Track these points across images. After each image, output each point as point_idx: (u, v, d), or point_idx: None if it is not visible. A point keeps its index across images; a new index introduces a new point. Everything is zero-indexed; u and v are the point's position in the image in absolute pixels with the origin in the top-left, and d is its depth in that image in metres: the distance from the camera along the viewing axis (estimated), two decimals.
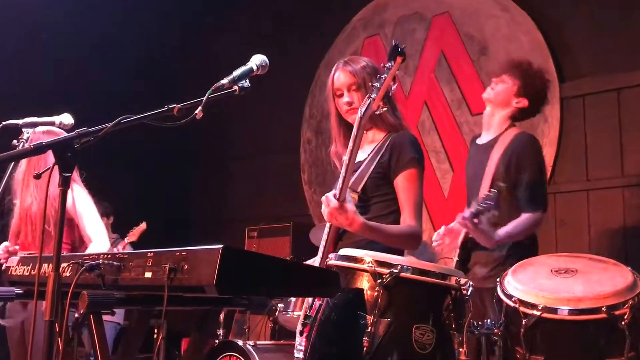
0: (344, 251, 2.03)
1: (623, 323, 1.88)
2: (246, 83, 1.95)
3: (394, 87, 2.18)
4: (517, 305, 2.05)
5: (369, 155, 2.43)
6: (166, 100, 1.86)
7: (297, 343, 2.12)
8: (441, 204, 4.85)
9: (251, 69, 1.99)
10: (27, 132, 2.55)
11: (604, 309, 1.91)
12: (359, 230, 2.18)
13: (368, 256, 1.96)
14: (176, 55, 6.32)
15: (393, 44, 2.15)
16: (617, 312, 1.91)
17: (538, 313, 1.99)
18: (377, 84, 2.16)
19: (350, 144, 2.18)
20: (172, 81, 6.07)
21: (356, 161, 2.30)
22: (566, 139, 4.30)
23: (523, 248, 2.86)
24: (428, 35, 5.09)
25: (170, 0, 5.87)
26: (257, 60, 2.02)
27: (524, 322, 2.01)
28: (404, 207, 2.33)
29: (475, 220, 2.69)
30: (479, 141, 3.27)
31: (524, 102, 3.11)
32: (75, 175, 3.26)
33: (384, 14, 5.35)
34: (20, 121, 2.57)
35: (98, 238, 3.24)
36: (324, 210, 2.17)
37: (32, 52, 5.05)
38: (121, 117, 1.80)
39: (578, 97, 4.29)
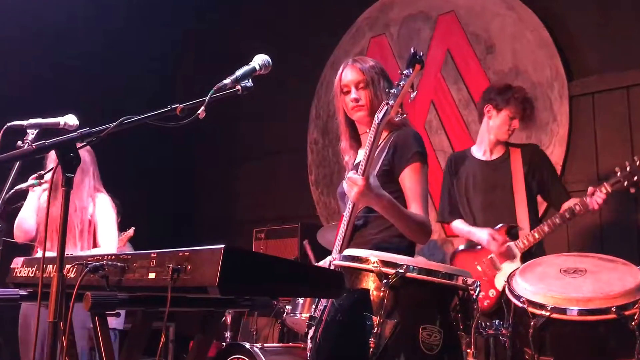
0: (349, 251, 2.02)
1: (633, 323, 1.87)
2: (249, 82, 1.94)
3: (413, 95, 2.21)
4: (525, 306, 2.04)
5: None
6: (170, 100, 1.86)
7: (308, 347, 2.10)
8: None
9: (254, 69, 1.99)
10: (31, 133, 2.56)
11: (613, 309, 1.89)
12: (387, 205, 2.18)
13: (373, 256, 1.95)
14: (180, 55, 6.34)
15: (412, 51, 2.18)
16: (627, 313, 1.89)
17: (547, 313, 1.97)
18: (394, 91, 2.19)
19: (368, 149, 2.18)
20: (176, 81, 6.07)
21: (360, 160, 2.32)
22: (575, 138, 4.28)
23: None
24: (434, 34, 5.08)
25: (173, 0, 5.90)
26: (259, 59, 2.01)
27: (532, 323, 2.00)
28: (412, 201, 2.32)
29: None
30: (482, 157, 3.48)
31: (515, 125, 3.52)
32: (99, 185, 3.57)
33: (390, 13, 5.35)
34: (24, 122, 2.57)
35: (105, 247, 3.45)
36: (350, 190, 2.16)
37: (35, 52, 5.06)
38: (124, 118, 1.80)
39: (587, 95, 4.26)
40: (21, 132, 2.56)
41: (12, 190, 2.81)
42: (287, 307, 3.28)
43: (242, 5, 6.31)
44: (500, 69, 4.66)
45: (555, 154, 4.25)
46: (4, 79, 4.74)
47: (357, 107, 2.45)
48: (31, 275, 1.96)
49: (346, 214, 2.29)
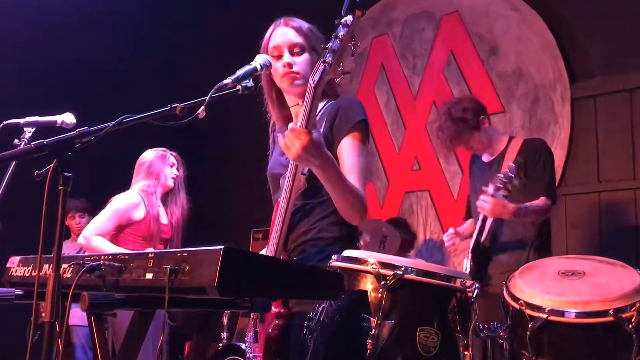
0: (347, 252, 2.03)
1: (630, 326, 1.88)
2: (249, 82, 1.94)
3: (354, 50, 1.81)
4: (523, 308, 2.05)
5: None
6: (169, 99, 1.87)
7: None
8: (450, 206, 4.84)
9: (255, 69, 1.98)
10: (28, 132, 2.56)
11: (611, 311, 1.90)
12: (331, 168, 1.86)
13: (372, 257, 1.96)
14: (178, 53, 6.35)
15: None
16: (624, 315, 1.90)
17: (544, 316, 1.99)
18: (331, 45, 1.79)
19: (304, 119, 1.81)
20: (175, 80, 6.08)
21: None
22: (577, 140, 4.29)
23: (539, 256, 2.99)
24: (437, 34, 5.09)
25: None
26: (260, 59, 2.01)
27: (530, 325, 2.01)
28: (349, 174, 1.97)
29: (500, 193, 2.98)
30: (484, 159, 3.43)
31: (485, 124, 3.40)
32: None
33: (393, 13, 5.36)
34: (21, 120, 2.58)
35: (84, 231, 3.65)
36: (290, 147, 1.79)
37: (32, 50, 5.07)
38: (122, 117, 1.81)
39: (589, 98, 4.28)
40: (17, 130, 2.57)
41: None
42: None
43: (240, 5, 6.32)
44: (503, 71, 4.68)
45: (557, 156, 4.24)
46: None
47: (291, 74, 2.09)
48: (27, 275, 1.97)
49: (283, 195, 2.00)
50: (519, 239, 3.23)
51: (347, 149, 2.04)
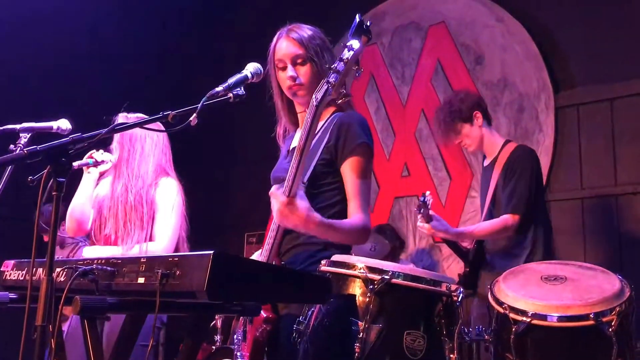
0: (336, 257, 2.04)
1: (610, 330, 1.89)
2: (241, 91, 1.96)
3: (357, 74, 1.82)
4: (507, 312, 2.06)
5: (313, 138, 2.08)
6: (166, 105, 1.87)
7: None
8: (439, 211, 4.83)
9: (246, 77, 2.01)
10: (24, 137, 2.54)
11: (591, 315, 1.91)
12: (315, 230, 1.95)
13: (360, 262, 1.96)
14: (177, 58, 6.33)
15: (357, 20, 1.82)
16: (604, 319, 1.91)
17: (528, 320, 1.99)
18: (336, 66, 1.81)
19: (303, 136, 1.86)
20: (172, 85, 6.07)
21: (295, 146, 2.00)
22: (561, 148, 4.32)
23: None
24: (424, 44, 5.11)
25: (170, 2, 5.91)
26: (251, 68, 2.03)
27: (514, 329, 2.02)
28: (352, 198, 2.06)
29: (420, 220, 3.23)
30: (485, 162, 3.45)
31: (479, 120, 3.41)
32: (170, 168, 3.06)
33: (382, 23, 5.38)
34: (17, 126, 2.56)
35: (160, 240, 2.88)
36: (273, 206, 1.91)
37: (27, 55, 5.04)
38: (115, 124, 1.82)
39: (572, 107, 4.31)
40: (14, 136, 2.56)
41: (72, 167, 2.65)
42: None
43: (235, 15, 6.32)
44: (489, 80, 4.71)
45: (541, 163, 4.29)
46: None
47: (295, 86, 2.14)
48: (21, 279, 1.96)
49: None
50: (511, 248, 3.25)
51: (349, 173, 2.08)
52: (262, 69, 2.04)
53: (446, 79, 4.96)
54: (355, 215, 2.06)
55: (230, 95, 1.92)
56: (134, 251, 2.84)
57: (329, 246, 2.10)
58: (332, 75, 1.81)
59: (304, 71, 2.14)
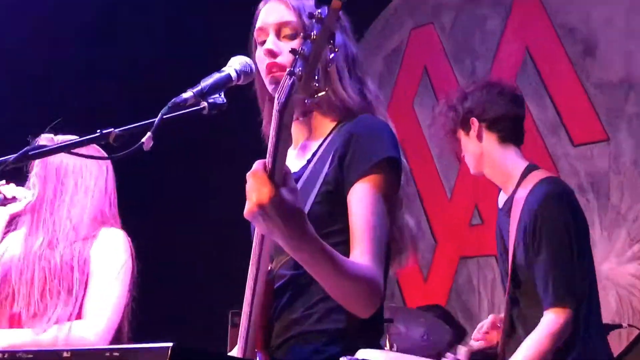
0: (362, 353, 2.00)
1: None
2: (220, 98, 1.93)
3: (331, 56, 1.69)
4: None
5: (309, 163, 2.07)
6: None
7: None
8: (444, 207, 5.09)
9: (228, 77, 1.97)
10: None
11: None
12: (307, 250, 1.77)
13: None
14: (172, 60, 6.61)
15: None
16: None
17: None
18: (303, 48, 1.65)
19: (270, 149, 1.69)
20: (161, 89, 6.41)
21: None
22: None
23: None
24: (506, 25, 5.14)
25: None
26: (236, 63, 2.00)
27: None
28: (358, 239, 1.91)
29: None
30: (499, 201, 3.32)
31: (474, 129, 3.22)
32: (115, 216, 3.05)
33: None
34: None
35: (94, 321, 2.81)
36: (247, 196, 1.67)
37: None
38: (30, 147, 1.85)
39: None
40: None
41: None
42: None
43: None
44: (605, 80, 4.75)
45: None
46: None
47: (275, 67, 2.04)
48: None
49: (250, 273, 1.85)
50: None
51: (359, 201, 1.95)
52: (252, 66, 2.02)
53: (539, 76, 4.97)
54: (360, 261, 1.90)
55: (204, 104, 1.91)
56: (49, 335, 2.73)
57: (346, 334, 2.01)
58: (298, 63, 1.64)
59: (289, 48, 1.83)
